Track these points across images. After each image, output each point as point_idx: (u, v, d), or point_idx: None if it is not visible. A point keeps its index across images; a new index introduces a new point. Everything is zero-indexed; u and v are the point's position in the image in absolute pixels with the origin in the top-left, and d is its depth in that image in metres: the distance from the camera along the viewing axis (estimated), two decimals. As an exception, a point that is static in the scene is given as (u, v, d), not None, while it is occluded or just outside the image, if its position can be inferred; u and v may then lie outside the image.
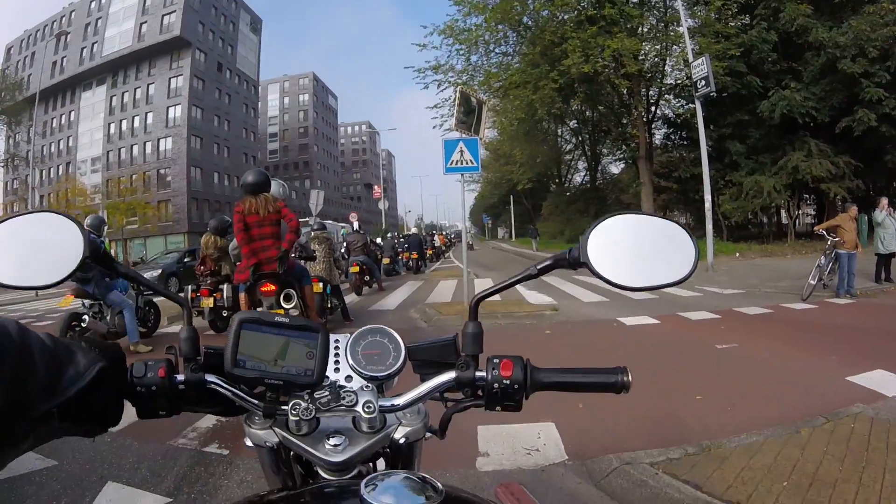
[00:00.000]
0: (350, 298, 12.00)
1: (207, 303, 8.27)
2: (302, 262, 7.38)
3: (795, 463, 2.99)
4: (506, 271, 18.96)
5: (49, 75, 57.98)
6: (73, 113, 61.72)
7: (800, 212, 29.24)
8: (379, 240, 20.14)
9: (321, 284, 8.38)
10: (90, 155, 59.17)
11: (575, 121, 36.54)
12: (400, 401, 0.87)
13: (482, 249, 48.63)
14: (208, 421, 4.39)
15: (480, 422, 3.85)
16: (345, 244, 14.08)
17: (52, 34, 39.68)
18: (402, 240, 22.81)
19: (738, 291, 11.04)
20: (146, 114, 56.94)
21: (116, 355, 0.79)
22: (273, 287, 6.07)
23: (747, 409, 4.12)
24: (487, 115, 10.81)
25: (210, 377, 0.84)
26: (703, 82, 17.09)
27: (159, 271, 18.20)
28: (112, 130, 58.65)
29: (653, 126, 29.80)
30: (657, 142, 31.44)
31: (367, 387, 0.88)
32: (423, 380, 0.91)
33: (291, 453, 0.91)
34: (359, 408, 0.83)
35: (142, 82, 57.76)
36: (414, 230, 28.98)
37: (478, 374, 0.87)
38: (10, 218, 0.80)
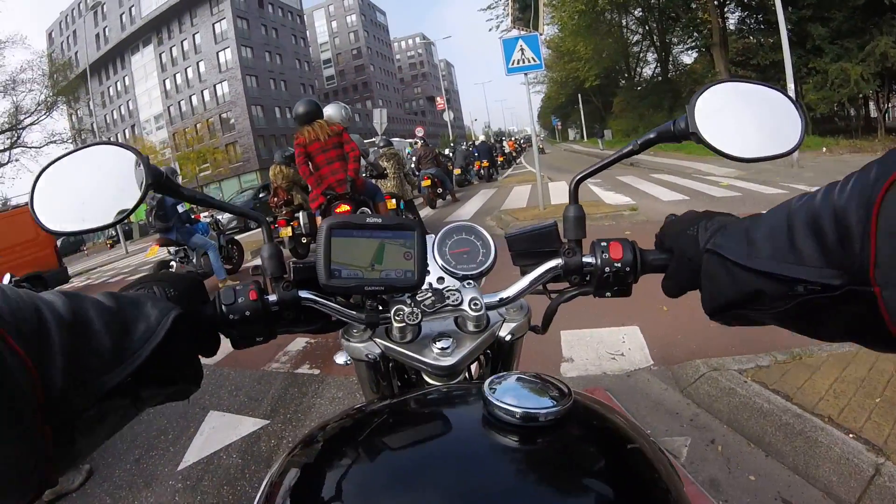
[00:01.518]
0: (425, 212, 11.99)
1: (286, 232, 8.39)
2: (373, 180, 7.34)
3: (889, 378, 2.68)
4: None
5: (95, 48, 59.81)
6: (126, 78, 63.47)
7: (890, 105, 26.46)
8: (447, 151, 19.81)
9: (394, 201, 8.38)
10: (152, 114, 61.19)
11: (640, 8, 34.00)
12: (508, 293, 0.82)
13: (553, 152, 47.47)
14: (298, 344, 4.66)
15: (563, 326, 3.81)
16: (414, 159, 13.93)
17: (87, 9, 40.06)
18: (471, 149, 22.38)
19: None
20: (197, 63, 57.73)
21: (197, 288, 0.77)
22: (347, 207, 6.06)
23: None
24: (545, 10, 10.17)
25: (304, 293, 0.78)
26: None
27: (237, 210, 18.47)
28: (168, 86, 59.99)
29: (725, 9, 27.37)
30: (731, 26, 28.76)
31: (468, 283, 0.82)
32: (523, 272, 0.86)
33: (391, 364, 0.88)
34: (465, 306, 0.78)
35: (186, 34, 58.30)
36: (482, 138, 28.41)
37: (584, 259, 0.81)
38: (60, 158, 0.72)
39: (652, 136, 0.78)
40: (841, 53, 20.93)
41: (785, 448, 2.35)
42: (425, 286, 0.80)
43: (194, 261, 7.71)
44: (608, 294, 0.82)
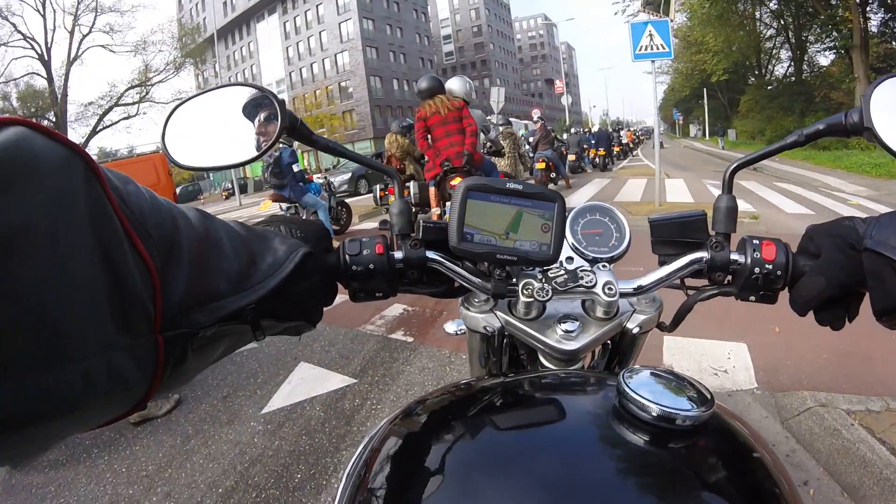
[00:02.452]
0: (538, 195, 11.83)
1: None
2: (490, 157, 7.27)
3: None
4: (699, 173, 17.58)
5: (222, 15, 63.18)
6: (251, 44, 66.75)
7: None
8: (565, 136, 19.42)
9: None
10: (274, 78, 63.94)
11: (775, 0, 31.86)
12: (644, 281, 0.77)
13: (672, 147, 45.40)
14: (396, 310, 4.73)
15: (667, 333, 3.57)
16: (531, 139, 13.70)
17: None
18: (587, 135, 21.77)
19: None
20: (320, 33, 59.66)
21: (323, 234, 0.74)
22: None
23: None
24: (676, -5, 9.69)
25: (431, 254, 0.75)
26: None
27: (349, 174, 18.89)
28: (290, 53, 62.58)
29: (867, 8, 25.09)
30: (873, 29, 26.47)
31: (602, 266, 0.77)
32: (661, 261, 0.80)
33: (505, 340, 0.85)
34: (598, 289, 0.73)
35: (310, 4, 60.23)
36: (598, 126, 27.63)
37: (732, 255, 0.74)
38: (200, 94, 0.71)
39: (820, 127, 0.69)
40: None
41: (879, 504, 2.13)
42: (560, 262, 0.77)
43: (304, 218, 7.92)
44: (752, 298, 0.74)
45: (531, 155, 12.88)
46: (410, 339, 4.06)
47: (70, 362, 0.35)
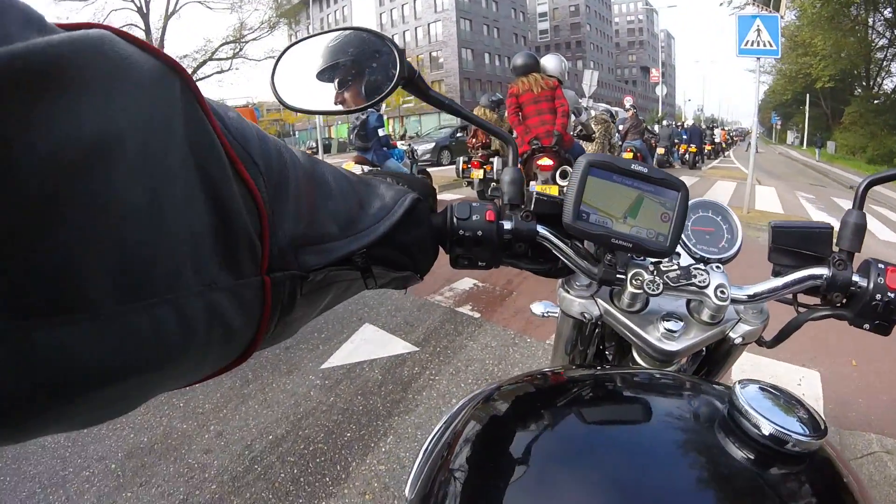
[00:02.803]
0: (621, 186, 11.56)
1: (477, 174, 8.47)
2: (580, 141, 7.16)
3: None
4: (792, 183, 16.70)
5: None
6: (345, 8, 67.51)
7: None
8: (656, 127, 18.88)
9: (593, 167, 8.11)
10: (366, 43, 64.55)
11: (891, 8, 29.74)
12: (759, 289, 0.72)
13: (767, 153, 43.22)
14: (466, 283, 4.72)
15: None
16: (621, 127, 13.34)
17: None
18: (679, 129, 21.03)
19: None
20: (414, 1, 59.66)
21: (429, 191, 0.70)
22: (552, 162, 5.91)
23: None
24: (788, -10, 9.15)
25: (542, 228, 0.71)
26: None
27: (433, 144, 18.98)
28: (384, 20, 62.81)
29: None
30: None
31: (717, 267, 0.72)
32: (775, 272, 0.75)
33: (598, 330, 0.83)
34: (710, 291, 0.69)
35: (408, -28, 60.01)
36: (691, 121, 26.72)
37: (854, 277, 0.69)
38: (317, 35, 0.69)
39: None
40: None
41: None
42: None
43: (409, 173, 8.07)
44: (866, 326, 0.69)
45: (620, 144, 12.55)
46: (477, 315, 4.04)
47: (165, 302, 0.32)
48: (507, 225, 0.71)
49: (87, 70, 0.27)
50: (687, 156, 19.52)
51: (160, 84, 0.32)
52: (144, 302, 0.30)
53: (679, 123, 24.49)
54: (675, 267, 0.70)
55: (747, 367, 3.32)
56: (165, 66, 0.33)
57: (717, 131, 31.06)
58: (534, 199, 0.73)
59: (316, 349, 3.45)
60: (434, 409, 2.81)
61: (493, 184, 8.41)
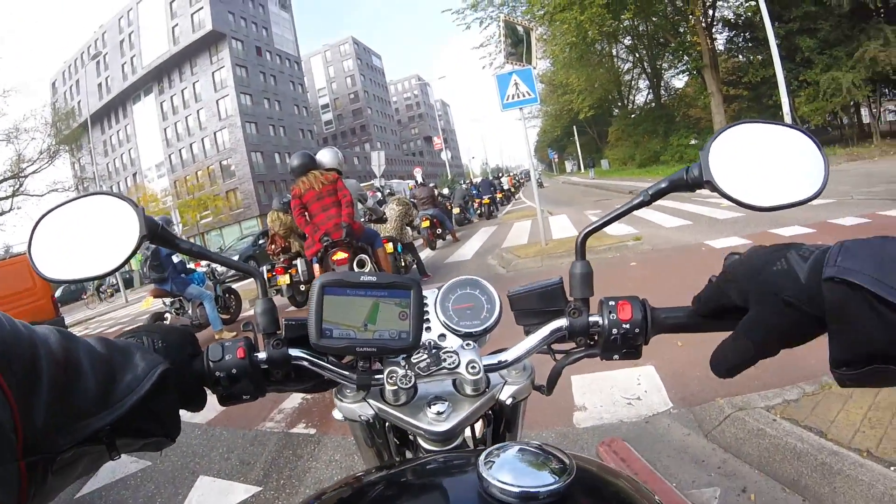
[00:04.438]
0: (425, 253, 11.89)
1: (284, 280, 8.33)
2: (372, 225, 7.33)
3: (926, 397, 2.50)
4: (580, 206, 18.53)
5: (97, 98, 61.32)
6: (128, 127, 64.70)
7: (882, 108, 26.85)
8: (446, 190, 19.93)
9: (391, 244, 8.31)
10: (153, 162, 62.44)
11: (629, 37, 34.64)
12: (507, 357, 0.78)
13: (552, 185, 47.47)
14: (294, 401, 4.47)
15: (574, 371, 3.54)
16: (414, 201, 13.92)
17: (90, 58, 41.39)
18: (471, 187, 22.40)
19: (828, 201, 9.69)
20: (198, 111, 58.88)
21: (187, 341, 0.75)
22: (346, 254, 6.00)
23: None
24: (537, 44, 10.29)
25: (294, 351, 0.76)
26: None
27: (237, 257, 18.35)
28: (169, 135, 61.10)
29: (713, 31, 28.12)
30: (720, 47, 29.64)
31: (467, 345, 0.78)
32: (526, 331, 0.81)
33: (387, 424, 0.85)
34: (461, 369, 0.74)
35: (187, 82, 59.63)
36: (480, 177, 28.65)
37: (591, 319, 0.76)
38: (57, 207, 0.72)
39: (664, 185, 0.73)
40: (830, 63, 21.40)
41: (823, 490, 2.16)
42: (424, 345, 0.77)
43: (190, 312, 7.64)
44: (616, 357, 0.77)
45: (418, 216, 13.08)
46: (313, 432, 3.83)
47: None
48: (262, 355, 0.75)
49: None
50: (482, 209, 20.85)
51: None
52: None
53: (468, 181, 26.11)
54: (425, 357, 0.74)
55: (586, 388, 3.46)
56: None
57: (504, 179, 33.56)
58: (284, 326, 0.77)
59: (151, 523, 3.08)
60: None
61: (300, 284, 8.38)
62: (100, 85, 63.09)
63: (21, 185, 30.40)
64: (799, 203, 0.67)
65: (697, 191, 0.72)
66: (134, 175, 63.00)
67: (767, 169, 0.69)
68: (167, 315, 7.53)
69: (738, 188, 0.68)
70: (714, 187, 0.68)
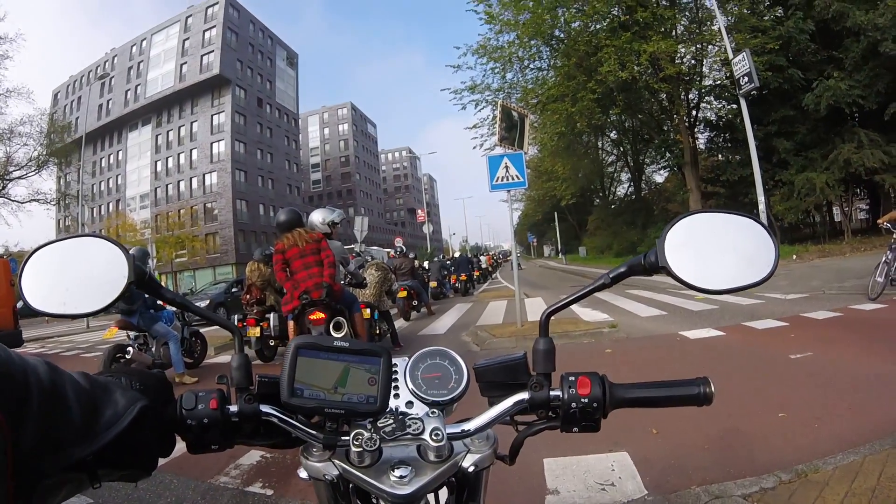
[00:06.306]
0: (399, 324, 11.80)
1: (254, 332, 8.17)
2: (351, 289, 7.31)
3: (901, 484, 2.57)
4: (556, 290, 18.64)
5: (96, 118, 61.05)
6: (120, 153, 64.69)
7: (854, 207, 28.04)
8: (426, 264, 20.00)
9: (369, 311, 8.29)
10: (138, 192, 61.88)
11: (615, 131, 36.20)
12: (470, 426, 0.82)
13: (529, 268, 47.78)
14: (253, 457, 4.10)
15: (547, 454, 3.47)
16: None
17: (96, 78, 41.51)
18: (448, 262, 22.55)
19: (801, 295, 10.19)
20: (191, 150, 59.15)
21: (163, 386, 0.78)
22: (323, 315, 5.95)
23: (836, 424, 3.63)
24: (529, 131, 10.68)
25: (265, 408, 0.80)
26: (746, 78, 17.02)
27: (207, 301, 18.30)
28: (159, 168, 61.10)
29: (695, 130, 29.26)
30: (701, 146, 30.83)
31: (432, 413, 0.83)
32: (490, 402, 0.87)
33: (351, 486, 0.86)
34: (426, 436, 0.78)
35: (185, 120, 60.16)
36: (458, 253, 28.89)
37: (552, 393, 0.82)
38: (53, 242, 0.77)
39: (623, 269, 0.80)
40: (805, 164, 22.43)
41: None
42: (391, 410, 0.82)
43: (153, 349, 7.35)
44: (575, 429, 0.81)
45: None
46: (270, 493, 3.46)
47: None
48: (234, 408, 0.78)
49: None
50: (458, 285, 20.94)
51: None
52: None
53: (448, 257, 26.32)
54: (391, 421, 0.79)
55: (559, 471, 3.34)
56: None
57: (482, 258, 34.13)
58: (257, 383, 0.81)
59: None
60: None
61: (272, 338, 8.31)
62: (100, 106, 63.27)
63: (4, 188, 30.07)
64: (750, 286, 0.74)
65: (654, 275, 0.79)
66: (117, 202, 62.44)
67: (720, 254, 0.76)
68: (129, 349, 7.11)
69: (691, 273, 0.74)
70: (668, 272, 0.75)
